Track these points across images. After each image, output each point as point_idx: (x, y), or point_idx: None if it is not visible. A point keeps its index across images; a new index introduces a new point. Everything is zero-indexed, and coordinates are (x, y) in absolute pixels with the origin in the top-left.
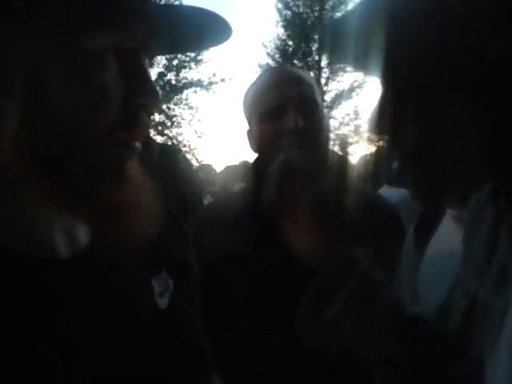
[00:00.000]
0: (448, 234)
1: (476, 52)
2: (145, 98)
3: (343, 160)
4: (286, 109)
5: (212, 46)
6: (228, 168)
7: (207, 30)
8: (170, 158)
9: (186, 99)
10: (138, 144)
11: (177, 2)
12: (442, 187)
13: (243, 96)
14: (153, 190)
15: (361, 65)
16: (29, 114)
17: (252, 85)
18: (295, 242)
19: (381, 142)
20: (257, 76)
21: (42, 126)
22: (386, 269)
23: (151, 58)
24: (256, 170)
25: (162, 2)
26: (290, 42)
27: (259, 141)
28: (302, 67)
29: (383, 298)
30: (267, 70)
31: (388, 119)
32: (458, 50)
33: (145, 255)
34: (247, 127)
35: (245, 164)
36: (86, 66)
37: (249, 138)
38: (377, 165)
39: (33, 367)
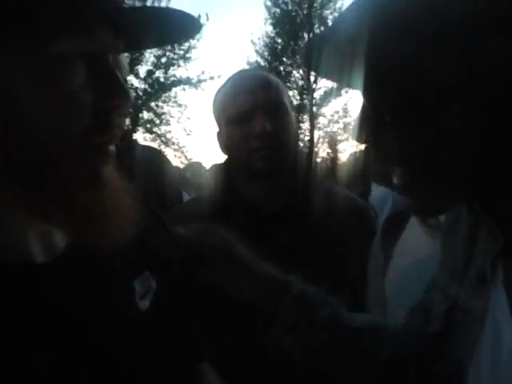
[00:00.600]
0: (414, 238)
1: (451, 68)
2: (115, 100)
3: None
4: (253, 113)
5: (179, 41)
6: (214, 166)
7: (173, 26)
8: (150, 159)
9: (175, 97)
10: (112, 147)
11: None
12: (420, 195)
13: (213, 98)
14: (131, 192)
15: (338, 77)
16: None
17: (221, 87)
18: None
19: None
20: (229, 76)
21: (13, 135)
22: (328, 282)
23: (117, 55)
24: (224, 173)
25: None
26: (279, 40)
27: (228, 144)
28: (290, 65)
29: (321, 317)
30: (236, 73)
31: (368, 129)
32: (433, 65)
33: (125, 257)
34: (217, 129)
35: None
36: (53, 73)
37: (218, 139)
38: (366, 162)
39: (10, 372)
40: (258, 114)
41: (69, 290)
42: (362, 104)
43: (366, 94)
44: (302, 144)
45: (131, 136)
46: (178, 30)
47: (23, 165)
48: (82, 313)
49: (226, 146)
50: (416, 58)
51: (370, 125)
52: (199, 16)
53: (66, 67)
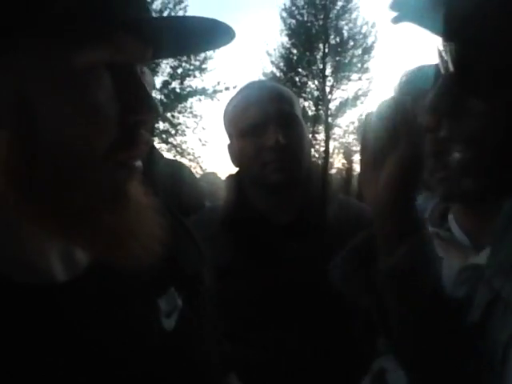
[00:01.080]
0: None
1: None
2: (143, 115)
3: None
4: (266, 125)
5: (214, 48)
6: (229, 177)
7: (207, 33)
8: (174, 173)
9: (191, 107)
10: (138, 162)
11: (182, 11)
12: (486, 176)
13: (223, 110)
14: (157, 208)
15: (433, 29)
16: (20, 140)
17: (232, 100)
18: (369, 187)
19: None
20: (240, 88)
21: (35, 152)
22: None
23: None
24: (236, 184)
25: (167, 12)
26: (295, 51)
27: (240, 156)
28: (306, 75)
29: (433, 273)
30: (246, 84)
31: (449, 102)
32: None
33: (150, 274)
34: (228, 141)
35: None
36: (78, 86)
37: (229, 152)
38: None
39: None
40: (270, 127)
41: (91, 309)
42: (443, 76)
43: (459, 57)
44: (317, 155)
45: (153, 146)
46: (209, 37)
47: (45, 182)
48: (105, 333)
49: (237, 159)
50: None
51: (455, 93)
52: None
53: (91, 78)
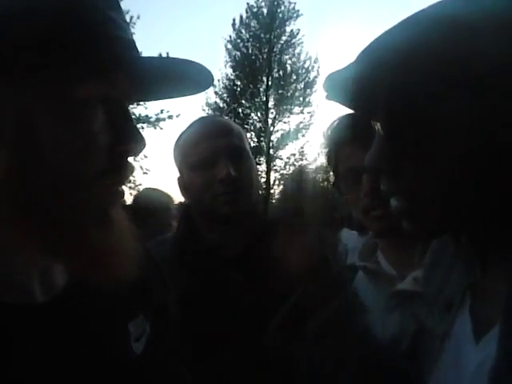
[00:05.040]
0: (360, 287)
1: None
2: (130, 145)
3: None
4: (217, 158)
5: (193, 94)
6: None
7: (189, 80)
8: None
9: None
10: (122, 188)
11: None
12: (420, 221)
13: (174, 145)
14: (134, 234)
15: (359, 106)
16: (18, 161)
17: (182, 134)
18: (289, 256)
19: (325, 183)
20: (190, 123)
21: (31, 173)
22: None
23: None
24: (186, 217)
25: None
26: (239, 82)
27: (191, 189)
28: (249, 107)
29: (361, 322)
30: (197, 119)
31: (386, 160)
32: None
33: (122, 299)
34: (178, 175)
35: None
36: (75, 116)
37: (179, 185)
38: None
39: None
40: (221, 160)
41: (65, 331)
42: (379, 133)
43: (384, 123)
44: None
45: None
46: (193, 83)
47: (38, 196)
48: (77, 355)
49: (188, 191)
50: (447, 98)
51: (388, 155)
52: (160, 55)
53: (87, 110)
